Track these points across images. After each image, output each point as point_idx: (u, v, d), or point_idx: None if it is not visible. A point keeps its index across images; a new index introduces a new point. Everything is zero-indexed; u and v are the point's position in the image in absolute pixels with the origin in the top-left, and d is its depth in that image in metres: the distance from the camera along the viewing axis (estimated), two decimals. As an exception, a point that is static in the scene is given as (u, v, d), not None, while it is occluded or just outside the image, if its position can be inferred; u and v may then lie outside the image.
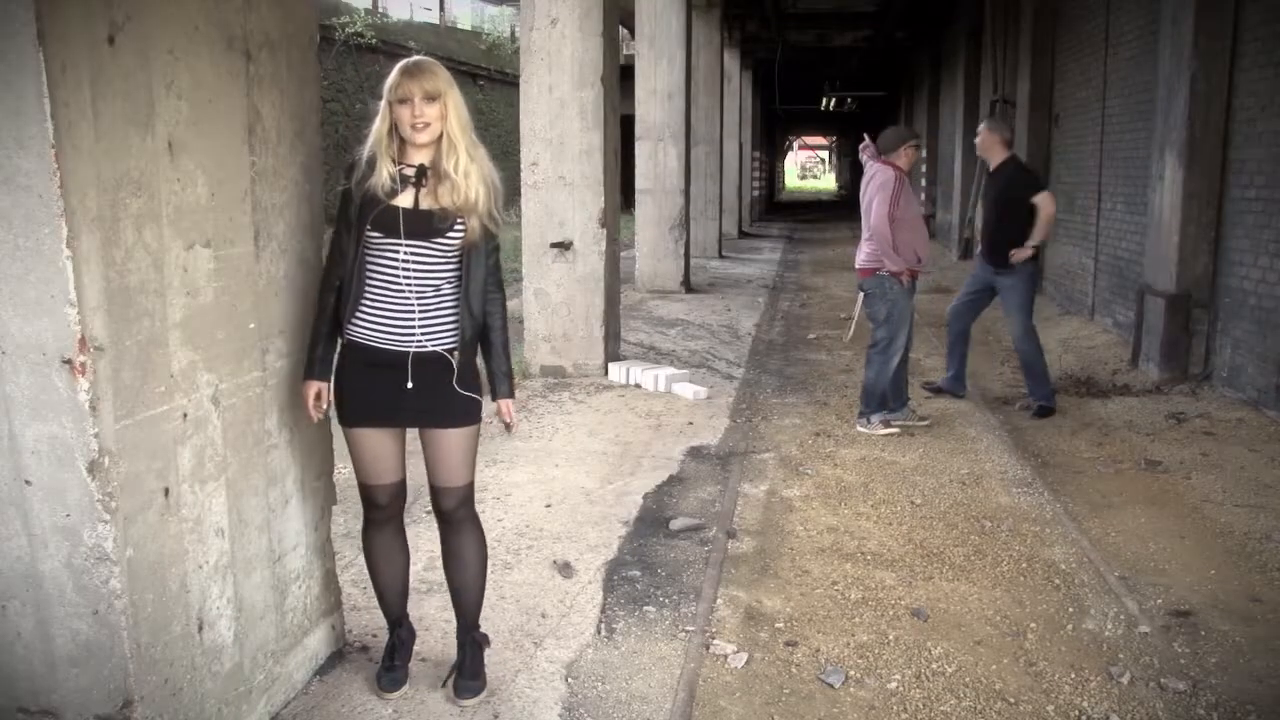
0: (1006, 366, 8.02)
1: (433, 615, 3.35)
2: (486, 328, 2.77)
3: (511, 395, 2.85)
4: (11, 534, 2.11)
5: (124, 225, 2.09)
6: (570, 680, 3.02)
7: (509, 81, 20.46)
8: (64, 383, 2.01)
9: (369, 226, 2.61)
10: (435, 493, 2.83)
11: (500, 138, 21.66)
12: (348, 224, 2.65)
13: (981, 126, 6.58)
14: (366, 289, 2.66)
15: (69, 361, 2.00)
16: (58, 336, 1.99)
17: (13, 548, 2.12)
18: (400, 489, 2.87)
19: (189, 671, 2.37)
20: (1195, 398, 6.59)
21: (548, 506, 4.52)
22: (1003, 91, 13.70)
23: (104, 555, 2.10)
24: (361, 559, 3.74)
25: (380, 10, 19.48)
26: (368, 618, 3.34)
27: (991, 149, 6.41)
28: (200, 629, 2.41)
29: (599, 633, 3.33)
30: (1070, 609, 3.55)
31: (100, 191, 2.02)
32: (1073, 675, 3.09)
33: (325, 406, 2.75)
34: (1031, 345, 6.34)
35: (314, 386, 2.73)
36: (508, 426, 2.85)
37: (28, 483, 2.07)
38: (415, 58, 2.67)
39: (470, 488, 2.85)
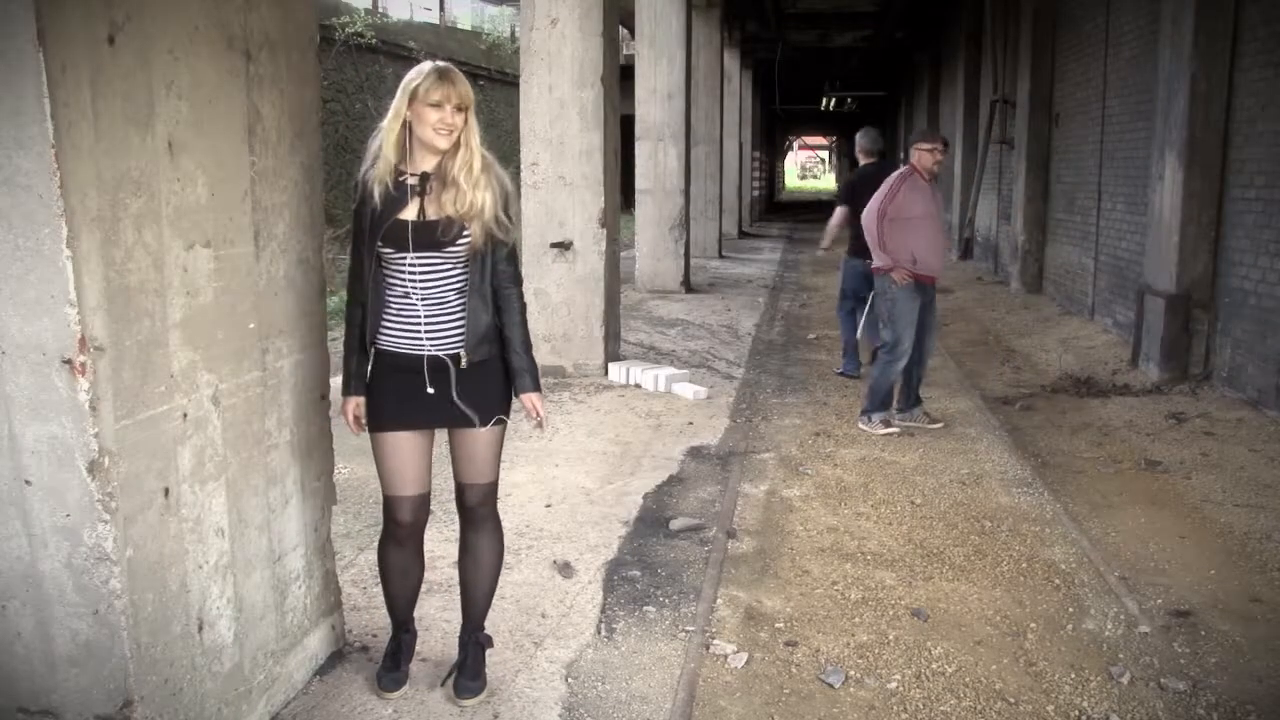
0: (1007, 366, 8.02)
1: (433, 615, 3.35)
2: (502, 324, 2.77)
3: (536, 389, 2.83)
4: (11, 534, 2.11)
5: (124, 225, 2.09)
6: (570, 680, 3.02)
7: (509, 81, 20.45)
8: (64, 383, 2.01)
9: (380, 242, 2.63)
10: (460, 489, 2.85)
11: (500, 138, 21.60)
12: (362, 238, 2.67)
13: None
14: (386, 298, 2.68)
15: (69, 361, 2.00)
16: (58, 336, 1.99)
17: (13, 548, 2.12)
18: (424, 504, 2.85)
19: (189, 671, 2.37)
20: (1195, 398, 6.59)
21: (548, 506, 4.52)
22: (1003, 91, 13.71)
23: (104, 555, 2.10)
24: (362, 559, 3.75)
25: (380, 10, 19.47)
26: (368, 618, 3.34)
27: (860, 155, 7.46)
28: (200, 629, 2.41)
29: (599, 633, 3.33)
30: (1070, 609, 3.55)
31: (100, 191, 2.02)
32: (1073, 675, 3.09)
33: (364, 421, 2.77)
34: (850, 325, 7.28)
35: (351, 402, 2.77)
36: (539, 424, 2.85)
37: (28, 483, 2.07)
38: (443, 63, 2.65)
39: (494, 486, 2.86)
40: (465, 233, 2.64)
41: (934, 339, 6.19)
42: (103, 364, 2.05)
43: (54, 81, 1.88)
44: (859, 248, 6.71)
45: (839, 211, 7.37)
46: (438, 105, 2.55)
